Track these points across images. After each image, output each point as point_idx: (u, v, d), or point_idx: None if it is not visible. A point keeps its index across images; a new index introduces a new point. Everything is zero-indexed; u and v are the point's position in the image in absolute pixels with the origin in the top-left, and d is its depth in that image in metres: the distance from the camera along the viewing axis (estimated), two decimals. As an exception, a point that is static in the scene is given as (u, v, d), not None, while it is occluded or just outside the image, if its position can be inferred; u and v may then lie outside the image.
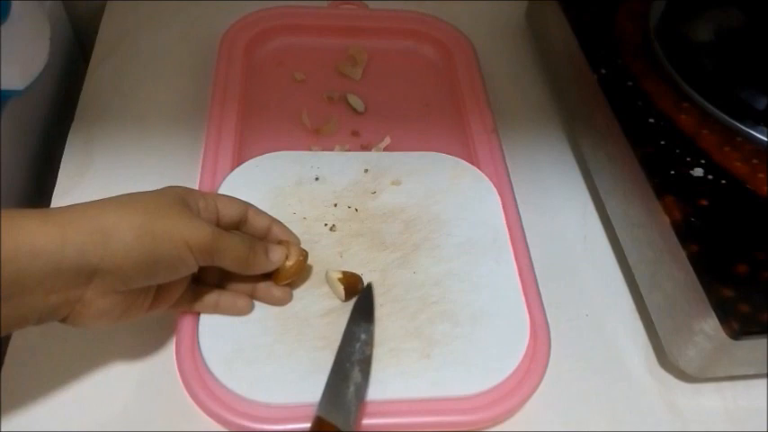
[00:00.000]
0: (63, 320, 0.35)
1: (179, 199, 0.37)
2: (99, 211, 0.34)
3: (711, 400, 0.44)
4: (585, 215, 0.53)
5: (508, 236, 0.48)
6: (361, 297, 0.43)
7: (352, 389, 0.38)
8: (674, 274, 0.41)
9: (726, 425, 0.43)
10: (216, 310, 0.41)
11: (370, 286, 0.43)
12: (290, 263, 0.41)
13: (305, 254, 0.42)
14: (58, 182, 0.50)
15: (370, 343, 0.40)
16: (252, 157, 0.50)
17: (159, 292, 0.38)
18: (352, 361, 0.39)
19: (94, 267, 0.33)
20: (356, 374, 0.39)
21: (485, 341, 0.42)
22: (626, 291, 0.49)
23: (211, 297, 0.41)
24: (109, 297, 0.35)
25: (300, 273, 0.42)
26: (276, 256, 0.41)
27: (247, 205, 0.42)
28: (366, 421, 0.39)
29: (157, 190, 0.37)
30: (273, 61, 0.60)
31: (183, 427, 0.39)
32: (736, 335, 0.37)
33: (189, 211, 0.37)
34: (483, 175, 0.51)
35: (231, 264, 0.39)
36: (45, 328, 0.42)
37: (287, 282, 0.42)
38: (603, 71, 0.51)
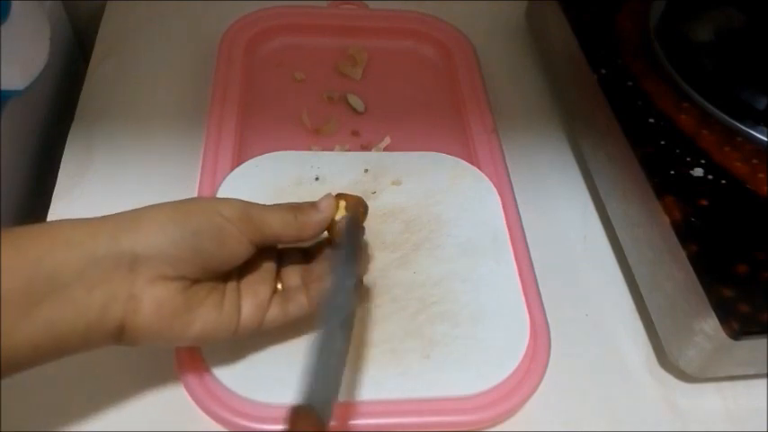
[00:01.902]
0: (121, 333, 0.33)
1: None
2: (132, 209, 0.34)
3: (711, 400, 0.44)
4: (585, 215, 0.53)
5: (508, 236, 0.48)
6: (344, 235, 0.38)
7: (334, 360, 0.33)
8: (674, 274, 0.41)
9: (726, 425, 0.43)
10: (310, 305, 0.38)
11: (351, 219, 0.38)
12: (342, 213, 0.38)
13: (363, 203, 0.39)
14: (58, 182, 0.50)
15: (354, 294, 0.36)
16: (252, 157, 0.50)
17: (239, 293, 0.36)
18: (333, 325, 0.34)
19: (131, 252, 0.32)
20: (338, 341, 0.34)
21: (485, 341, 0.42)
22: (626, 291, 0.49)
23: (300, 294, 0.38)
24: (160, 285, 0.33)
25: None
26: (324, 202, 0.38)
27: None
28: (366, 421, 0.39)
29: None
30: (273, 61, 0.60)
31: (183, 427, 0.39)
32: (736, 335, 0.37)
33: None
34: (483, 175, 0.51)
35: (281, 228, 0.36)
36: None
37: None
38: (603, 71, 0.51)
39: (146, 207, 0.34)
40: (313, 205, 0.38)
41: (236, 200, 0.36)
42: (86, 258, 0.31)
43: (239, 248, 0.35)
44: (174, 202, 0.35)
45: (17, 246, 0.30)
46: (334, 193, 0.39)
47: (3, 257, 0.29)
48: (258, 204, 0.36)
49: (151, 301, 0.33)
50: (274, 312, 0.37)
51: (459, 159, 0.52)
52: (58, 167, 0.51)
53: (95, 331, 0.32)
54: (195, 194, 0.47)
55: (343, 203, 0.38)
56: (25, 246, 0.30)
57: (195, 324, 0.34)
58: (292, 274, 0.39)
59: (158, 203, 0.34)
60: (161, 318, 0.33)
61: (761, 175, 0.45)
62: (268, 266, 0.38)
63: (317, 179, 0.49)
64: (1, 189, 0.48)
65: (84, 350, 0.33)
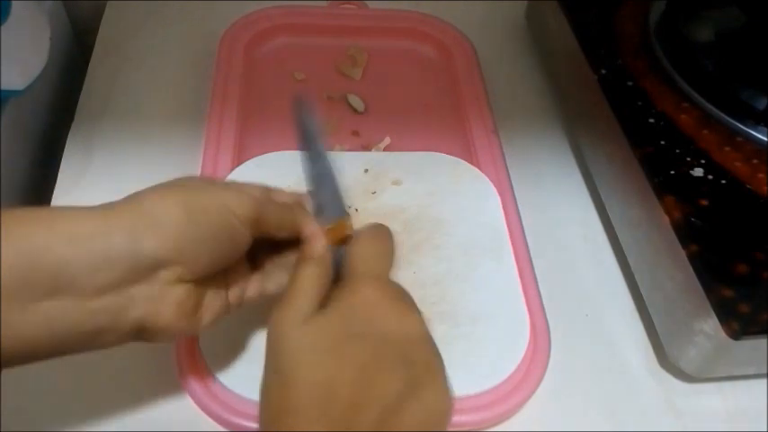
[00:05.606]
0: (140, 333, 0.32)
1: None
2: (137, 196, 0.32)
3: (711, 400, 0.44)
4: (585, 215, 0.53)
5: (508, 236, 0.48)
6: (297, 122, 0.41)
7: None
8: (674, 274, 0.41)
9: (726, 425, 0.43)
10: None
11: (298, 102, 0.42)
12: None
13: (347, 225, 0.38)
14: (58, 182, 0.50)
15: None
16: (252, 157, 0.50)
17: (228, 279, 0.36)
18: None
19: (153, 257, 0.30)
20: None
21: (485, 341, 0.42)
22: (626, 291, 0.49)
23: (277, 272, 0.38)
24: (179, 287, 0.32)
25: (344, 234, 0.38)
26: (316, 244, 0.36)
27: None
28: (366, 421, 0.39)
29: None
30: (273, 61, 0.60)
31: (183, 427, 0.39)
32: (736, 335, 0.37)
33: (226, 183, 0.35)
34: (483, 175, 0.51)
35: (276, 227, 0.36)
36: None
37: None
38: (603, 71, 0.51)
39: (154, 197, 0.32)
40: (306, 222, 0.37)
41: (247, 198, 0.35)
42: (98, 257, 0.29)
43: (244, 245, 0.35)
44: (185, 190, 0.33)
45: (10, 233, 0.28)
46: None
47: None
48: (270, 203, 0.36)
49: (172, 302, 0.32)
50: (253, 289, 0.37)
51: (459, 159, 0.52)
52: (58, 167, 0.51)
53: (108, 333, 0.31)
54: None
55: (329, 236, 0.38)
56: (20, 235, 0.28)
57: (206, 315, 0.34)
58: (266, 258, 0.39)
59: (165, 188, 0.33)
60: (181, 317, 0.33)
61: (761, 175, 0.45)
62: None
63: (317, 179, 0.49)
64: (1, 189, 0.48)
65: (93, 350, 0.31)
